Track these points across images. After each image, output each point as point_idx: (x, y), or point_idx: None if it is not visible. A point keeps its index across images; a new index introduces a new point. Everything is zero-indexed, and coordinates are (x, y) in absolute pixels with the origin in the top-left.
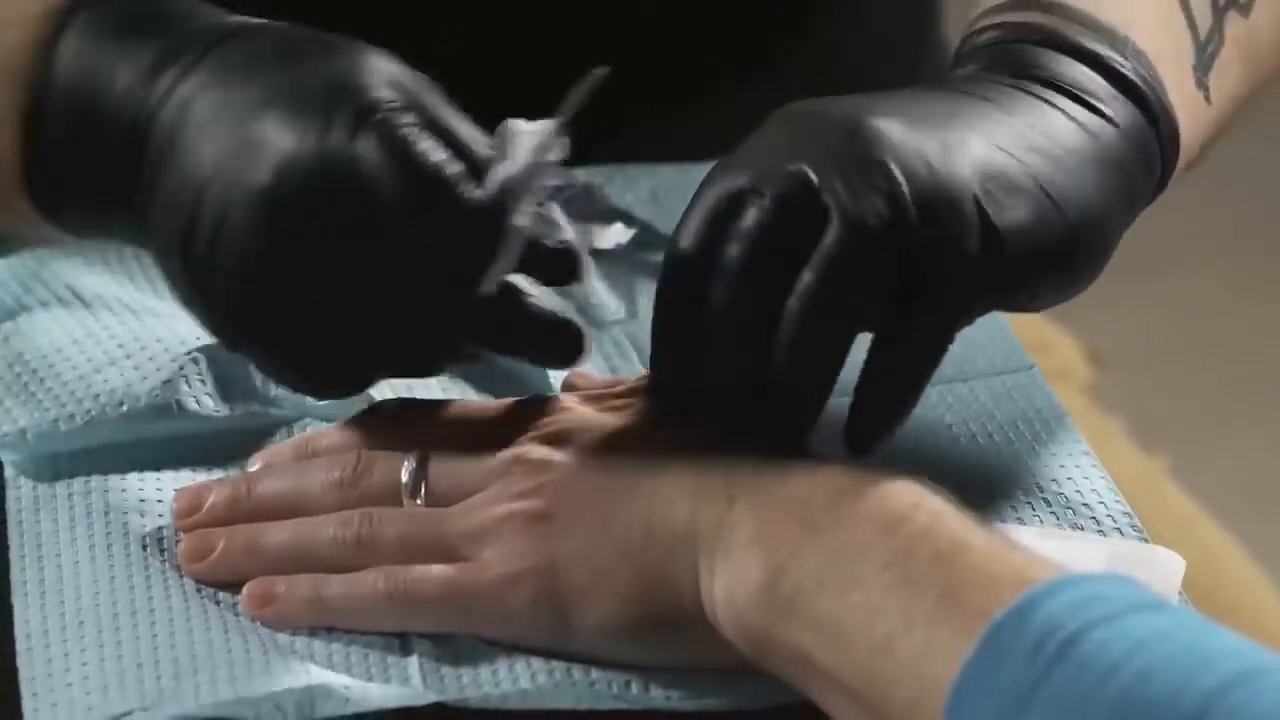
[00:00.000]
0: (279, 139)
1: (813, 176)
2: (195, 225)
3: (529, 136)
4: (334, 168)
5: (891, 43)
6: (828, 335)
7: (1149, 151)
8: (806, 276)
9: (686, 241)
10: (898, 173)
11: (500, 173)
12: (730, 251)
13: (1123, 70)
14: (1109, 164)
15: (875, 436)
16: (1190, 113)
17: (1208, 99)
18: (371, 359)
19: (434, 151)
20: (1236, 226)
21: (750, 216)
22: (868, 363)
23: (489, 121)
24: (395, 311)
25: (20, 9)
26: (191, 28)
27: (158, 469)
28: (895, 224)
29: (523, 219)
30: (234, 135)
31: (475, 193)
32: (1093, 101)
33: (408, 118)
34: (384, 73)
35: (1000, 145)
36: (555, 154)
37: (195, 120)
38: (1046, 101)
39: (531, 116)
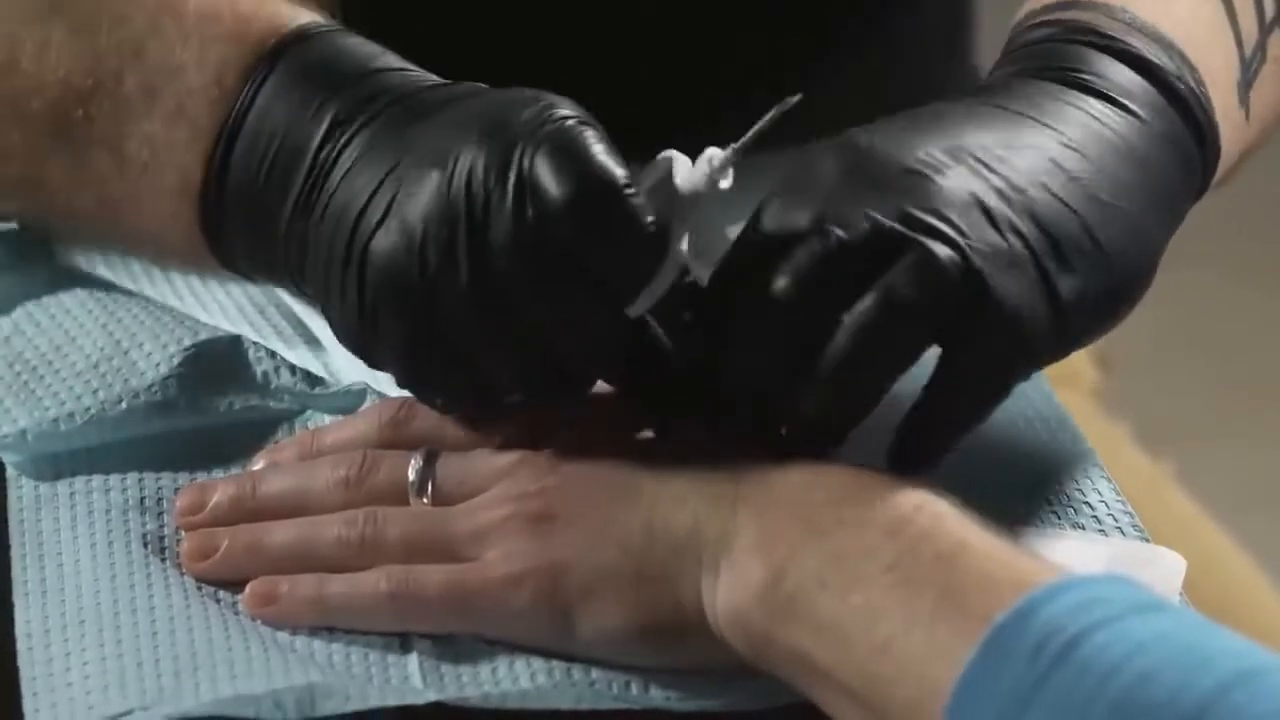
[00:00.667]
0: (454, 146)
1: (883, 221)
2: (360, 225)
3: (705, 163)
4: (506, 169)
5: (919, 57)
6: (871, 368)
7: (1191, 166)
8: (867, 301)
9: (740, 262)
10: (965, 226)
11: (680, 188)
12: (784, 275)
13: (1174, 83)
14: (1160, 196)
15: (920, 465)
16: (1232, 132)
17: (1247, 116)
18: (512, 369)
19: (612, 162)
20: (1240, 222)
21: (812, 251)
22: (922, 402)
23: None
24: (548, 322)
25: (220, 53)
26: (377, 86)
27: (159, 468)
28: (960, 277)
29: (684, 246)
30: (411, 149)
31: (648, 213)
32: (1138, 110)
33: (589, 130)
34: (563, 100)
35: (1060, 195)
36: (726, 183)
37: (370, 155)
38: (1092, 115)
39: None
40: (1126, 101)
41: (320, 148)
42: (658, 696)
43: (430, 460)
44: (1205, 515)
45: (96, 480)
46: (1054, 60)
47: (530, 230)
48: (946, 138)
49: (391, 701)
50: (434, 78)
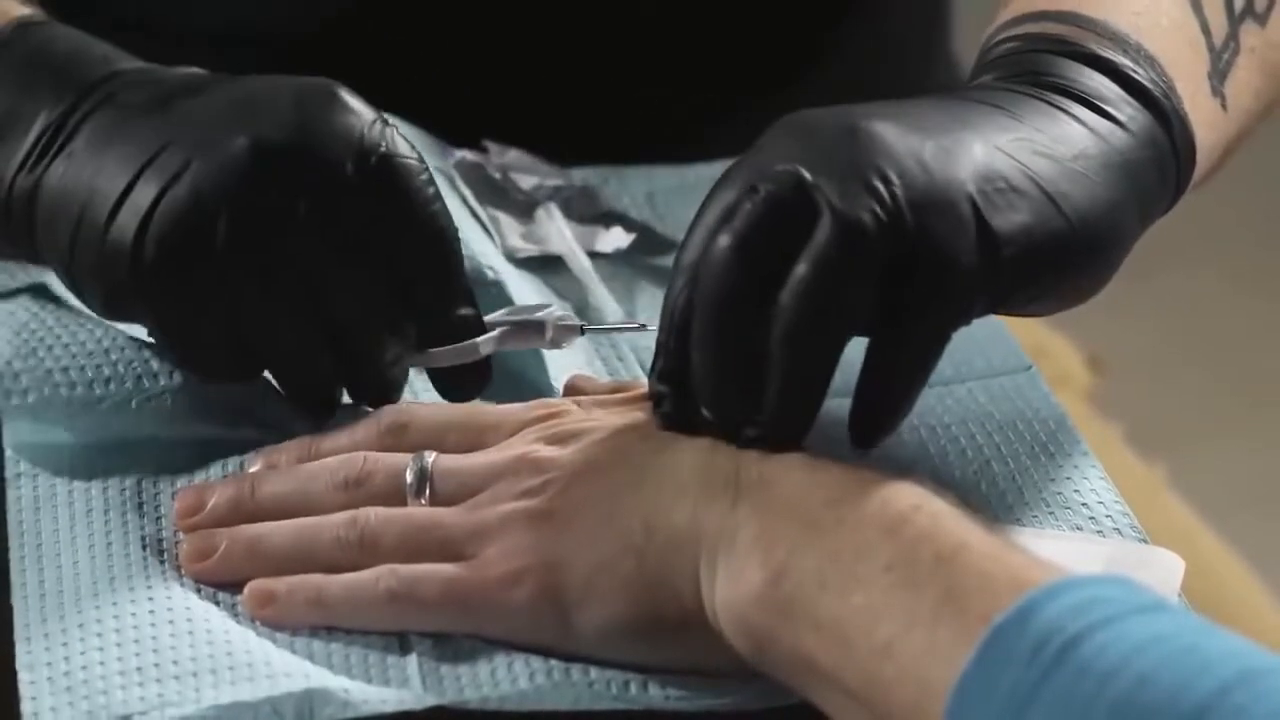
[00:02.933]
0: (234, 128)
1: (805, 175)
2: (124, 204)
3: (551, 323)
4: (309, 147)
5: (900, 56)
6: (821, 330)
7: (1163, 157)
8: (799, 270)
9: (691, 254)
10: (892, 173)
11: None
12: (720, 243)
13: (1135, 75)
14: (1119, 168)
15: (878, 432)
16: (1206, 120)
17: (1224, 106)
18: (326, 368)
19: (407, 149)
20: (1235, 225)
21: (742, 212)
22: (867, 360)
23: (498, 128)
24: (345, 313)
25: None
26: (108, 69)
27: (157, 470)
28: (888, 222)
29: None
30: (175, 136)
31: (437, 195)
32: (1105, 107)
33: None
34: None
35: (1002, 148)
36: (561, 348)
37: (120, 132)
38: (1058, 107)
39: (538, 119)
40: (1099, 102)
41: (52, 113)
42: (657, 696)
43: (428, 462)
44: (1198, 518)
45: (95, 485)
46: (1024, 67)
47: (329, 204)
48: (905, 111)
49: (390, 708)
50: (161, 68)
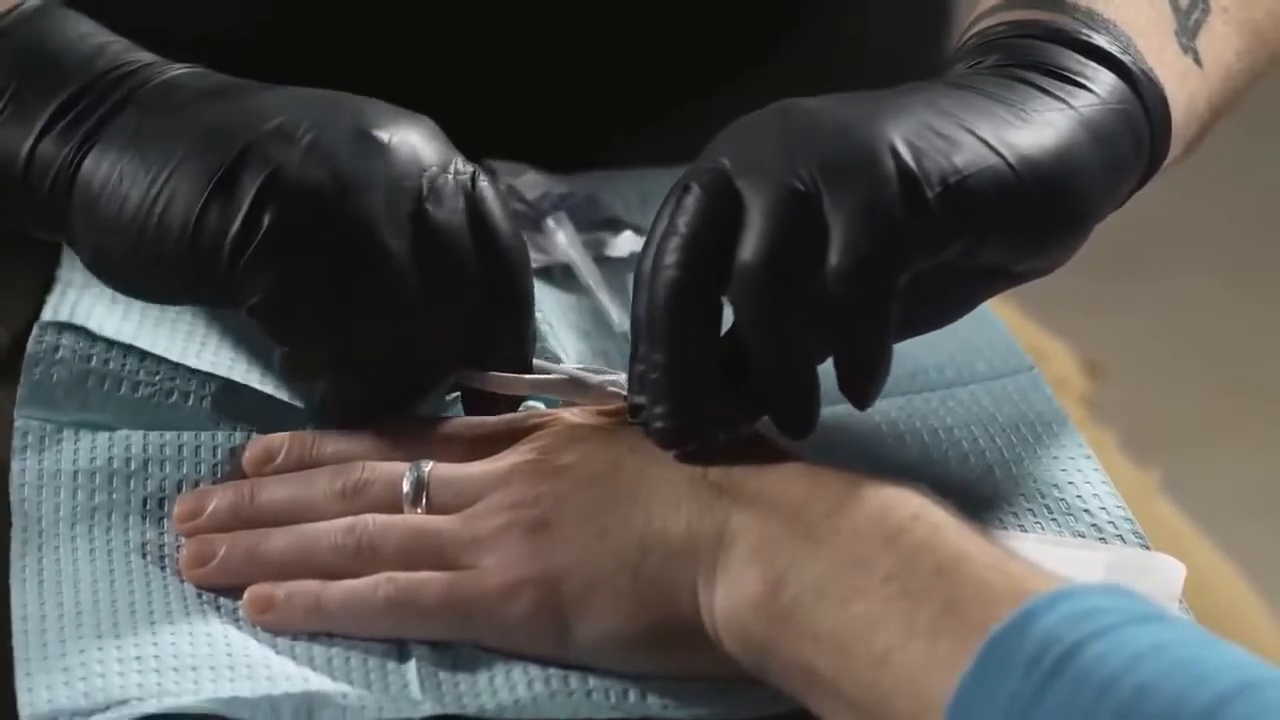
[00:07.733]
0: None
1: (728, 166)
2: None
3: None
4: (409, 147)
5: (894, 57)
6: (778, 309)
7: (1131, 112)
8: (741, 260)
9: (644, 263)
10: (810, 143)
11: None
12: (664, 248)
13: (1091, 39)
14: (1077, 120)
15: (864, 394)
16: (1178, 76)
17: (1198, 63)
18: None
19: (496, 195)
20: (1229, 228)
21: (680, 212)
22: (832, 321)
23: (497, 128)
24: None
25: None
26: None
27: (163, 467)
28: (805, 192)
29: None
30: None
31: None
32: (1063, 71)
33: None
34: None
35: (942, 107)
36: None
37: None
38: (1016, 78)
39: (533, 119)
40: (1061, 70)
41: (67, 90)
42: (655, 705)
43: (425, 472)
44: (1191, 523)
45: (100, 473)
46: (987, 52)
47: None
48: (843, 94)
49: (388, 715)
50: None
